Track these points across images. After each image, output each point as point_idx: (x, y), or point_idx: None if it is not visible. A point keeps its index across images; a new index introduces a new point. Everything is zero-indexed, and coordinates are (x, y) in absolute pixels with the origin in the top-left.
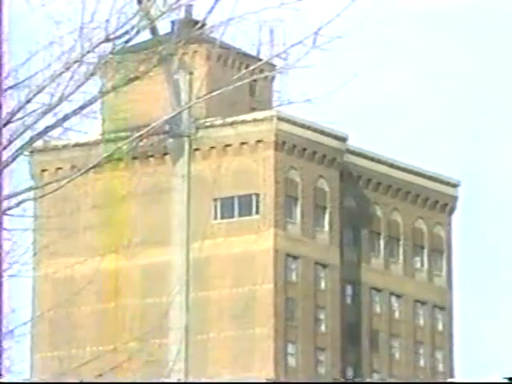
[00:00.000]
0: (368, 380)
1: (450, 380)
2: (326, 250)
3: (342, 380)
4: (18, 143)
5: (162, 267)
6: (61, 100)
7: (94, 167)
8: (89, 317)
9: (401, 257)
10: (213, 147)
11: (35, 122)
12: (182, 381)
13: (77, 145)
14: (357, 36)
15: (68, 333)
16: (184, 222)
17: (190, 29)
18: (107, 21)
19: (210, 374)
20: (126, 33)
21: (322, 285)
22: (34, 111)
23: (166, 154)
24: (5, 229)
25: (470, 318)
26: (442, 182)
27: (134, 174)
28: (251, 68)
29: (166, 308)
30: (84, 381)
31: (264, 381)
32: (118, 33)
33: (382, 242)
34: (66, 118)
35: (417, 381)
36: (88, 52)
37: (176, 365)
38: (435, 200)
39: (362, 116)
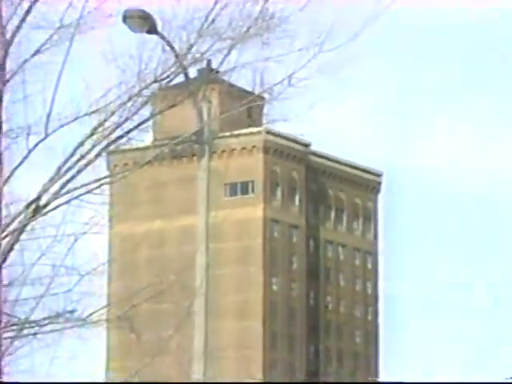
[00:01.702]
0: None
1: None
2: (296, 218)
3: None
4: (98, 148)
5: (191, 228)
6: (126, 120)
7: (147, 163)
8: (146, 260)
9: (344, 221)
10: (224, 151)
11: (110, 134)
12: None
13: (136, 149)
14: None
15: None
16: (205, 199)
17: (209, 74)
18: (155, 68)
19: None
20: (168, 76)
21: (294, 239)
22: (109, 127)
23: (193, 155)
24: (88, 202)
25: (389, 259)
26: (371, 172)
27: (173, 168)
28: (248, 99)
29: (193, 254)
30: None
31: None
32: (163, 76)
33: (332, 212)
34: (129, 131)
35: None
36: (143, 88)
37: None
38: (367, 184)
39: (320, 129)
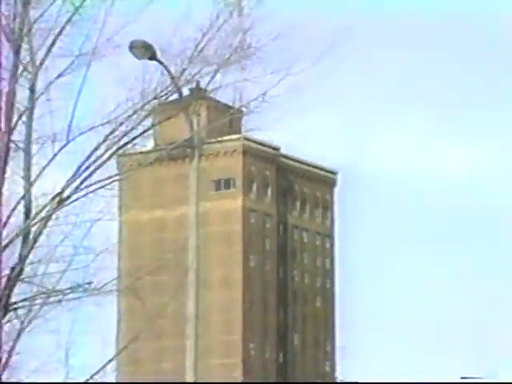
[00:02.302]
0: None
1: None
2: (269, 207)
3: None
4: (110, 152)
5: (186, 216)
6: (132, 129)
7: (149, 164)
8: (149, 242)
9: (307, 210)
10: (210, 154)
11: (119, 140)
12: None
13: (140, 152)
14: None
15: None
16: (195, 193)
17: (198, 92)
18: (155, 88)
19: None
20: (165, 94)
21: (267, 225)
22: (118, 135)
23: (186, 157)
24: (101, 195)
25: (344, 240)
26: (328, 170)
27: (170, 167)
28: (230, 113)
29: (187, 238)
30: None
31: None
32: (161, 94)
33: (298, 203)
34: (134, 138)
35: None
36: (146, 104)
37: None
38: (325, 180)
39: (288, 135)
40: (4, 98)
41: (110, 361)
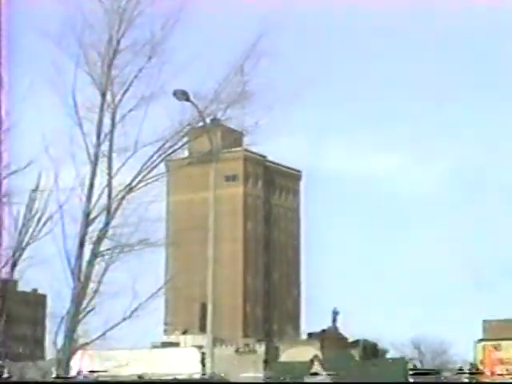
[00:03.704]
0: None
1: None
2: (259, 192)
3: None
4: (161, 158)
5: (206, 199)
6: (174, 144)
7: (185, 166)
8: (184, 215)
9: (283, 195)
10: (223, 159)
11: (166, 151)
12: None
13: (181, 159)
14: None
15: None
16: (213, 184)
17: (215, 121)
18: (189, 118)
19: None
20: (196, 122)
21: (258, 203)
22: (166, 147)
23: (209, 161)
24: (155, 185)
25: (306, 214)
26: (296, 170)
27: (198, 168)
28: (236, 134)
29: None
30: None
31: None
32: (193, 122)
33: (277, 190)
34: (176, 149)
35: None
36: (183, 128)
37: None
38: (293, 176)
39: (275, 147)
40: (96, 125)
41: (159, 289)
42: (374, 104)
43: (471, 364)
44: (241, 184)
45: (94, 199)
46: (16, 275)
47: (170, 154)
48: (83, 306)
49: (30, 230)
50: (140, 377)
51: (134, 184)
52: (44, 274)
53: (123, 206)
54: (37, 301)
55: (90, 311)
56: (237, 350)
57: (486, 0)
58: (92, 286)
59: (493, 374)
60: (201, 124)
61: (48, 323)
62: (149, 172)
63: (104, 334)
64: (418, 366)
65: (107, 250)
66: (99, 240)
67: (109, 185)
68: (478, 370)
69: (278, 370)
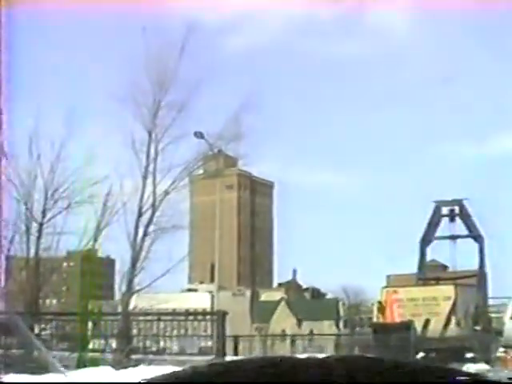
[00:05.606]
0: None
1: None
2: (247, 196)
3: None
4: (184, 174)
5: (214, 201)
6: (193, 165)
7: (201, 179)
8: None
9: (263, 196)
10: (224, 175)
11: (189, 169)
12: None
13: (197, 174)
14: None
15: None
16: (219, 190)
17: (220, 152)
18: (204, 149)
19: None
20: (208, 152)
21: (247, 201)
22: (188, 167)
23: (216, 175)
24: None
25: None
26: (269, 181)
27: (210, 179)
28: (233, 159)
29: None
30: None
31: None
32: (206, 152)
33: (259, 194)
34: (194, 169)
35: None
36: (199, 156)
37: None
38: (268, 185)
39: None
40: (145, 153)
41: (184, 256)
42: (328, 137)
43: (378, 301)
44: (235, 191)
45: (144, 200)
46: (96, 246)
47: (191, 172)
48: (137, 266)
49: (106, 219)
50: (173, 309)
51: (169, 190)
52: (114, 245)
53: (162, 204)
54: (109, 263)
55: (142, 269)
56: (233, 294)
57: None
58: (143, 253)
59: (391, 309)
60: (210, 153)
61: (116, 277)
62: (179, 183)
63: (150, 284)
64: (346, 303)
65: (153, 231)
66: (148, 225)
67: (154, 191)
68: (381, 304)
69: (259, 306)
